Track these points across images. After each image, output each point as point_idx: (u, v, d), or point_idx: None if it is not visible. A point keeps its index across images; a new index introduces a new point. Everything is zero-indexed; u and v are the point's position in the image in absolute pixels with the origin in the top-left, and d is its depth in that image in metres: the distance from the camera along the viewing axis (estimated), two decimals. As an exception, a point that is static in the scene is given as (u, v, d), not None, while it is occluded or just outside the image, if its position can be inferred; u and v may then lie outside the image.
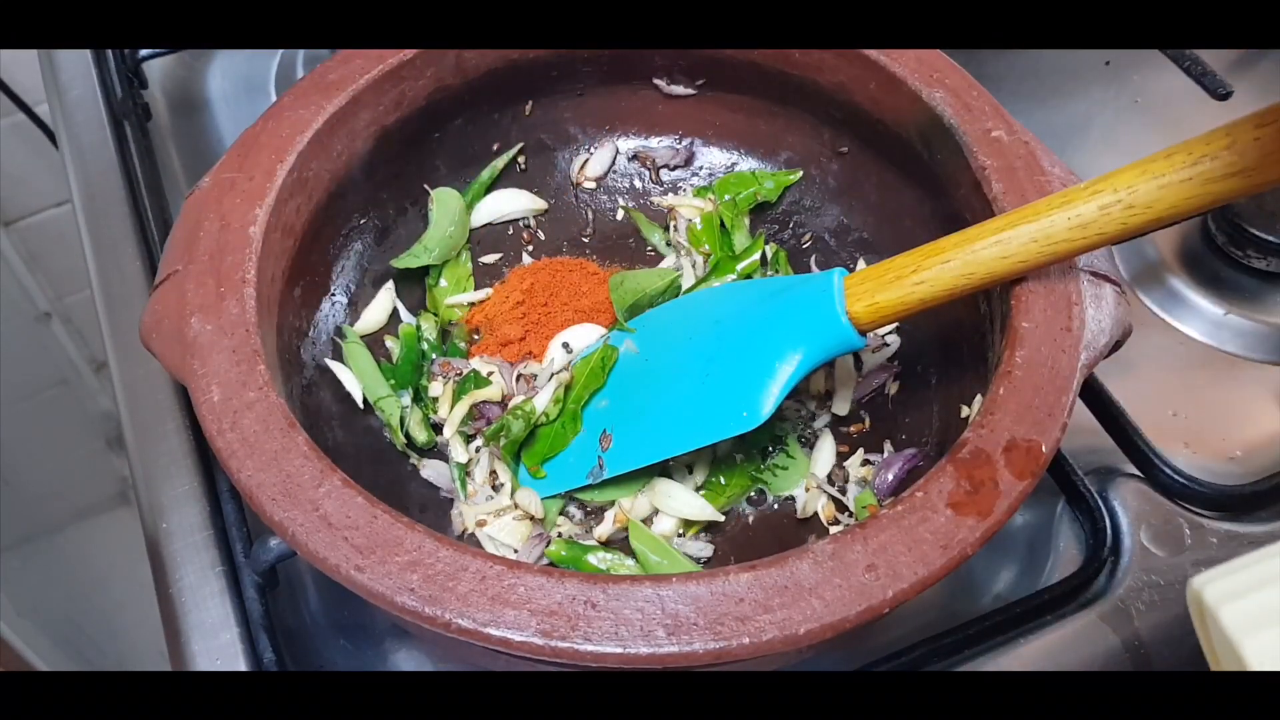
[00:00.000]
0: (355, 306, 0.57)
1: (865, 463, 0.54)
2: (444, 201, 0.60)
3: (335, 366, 0.54)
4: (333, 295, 0.56)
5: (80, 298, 1.15)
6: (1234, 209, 0.62)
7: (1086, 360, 0.43)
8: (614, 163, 0.65)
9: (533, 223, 0.64)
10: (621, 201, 0.65)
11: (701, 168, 0.65)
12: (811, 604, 0.36)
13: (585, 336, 0.58)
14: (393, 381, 0.56)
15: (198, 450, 0.53)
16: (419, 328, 0.58)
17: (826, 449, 0.55)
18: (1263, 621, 0.28)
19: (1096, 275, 0.46)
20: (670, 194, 0.65)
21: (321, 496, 0.39)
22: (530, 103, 0.62)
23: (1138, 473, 0.54)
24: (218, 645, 0.47)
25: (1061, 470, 0.52)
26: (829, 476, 0.54)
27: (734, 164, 0.64)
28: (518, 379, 0.57)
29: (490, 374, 0.57)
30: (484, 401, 0.56)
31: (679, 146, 0.65)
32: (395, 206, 0.59)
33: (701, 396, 0.51)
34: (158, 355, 0.45)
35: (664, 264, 0.63)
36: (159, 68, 0.75)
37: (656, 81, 0.62)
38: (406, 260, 0.59)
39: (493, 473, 0.55)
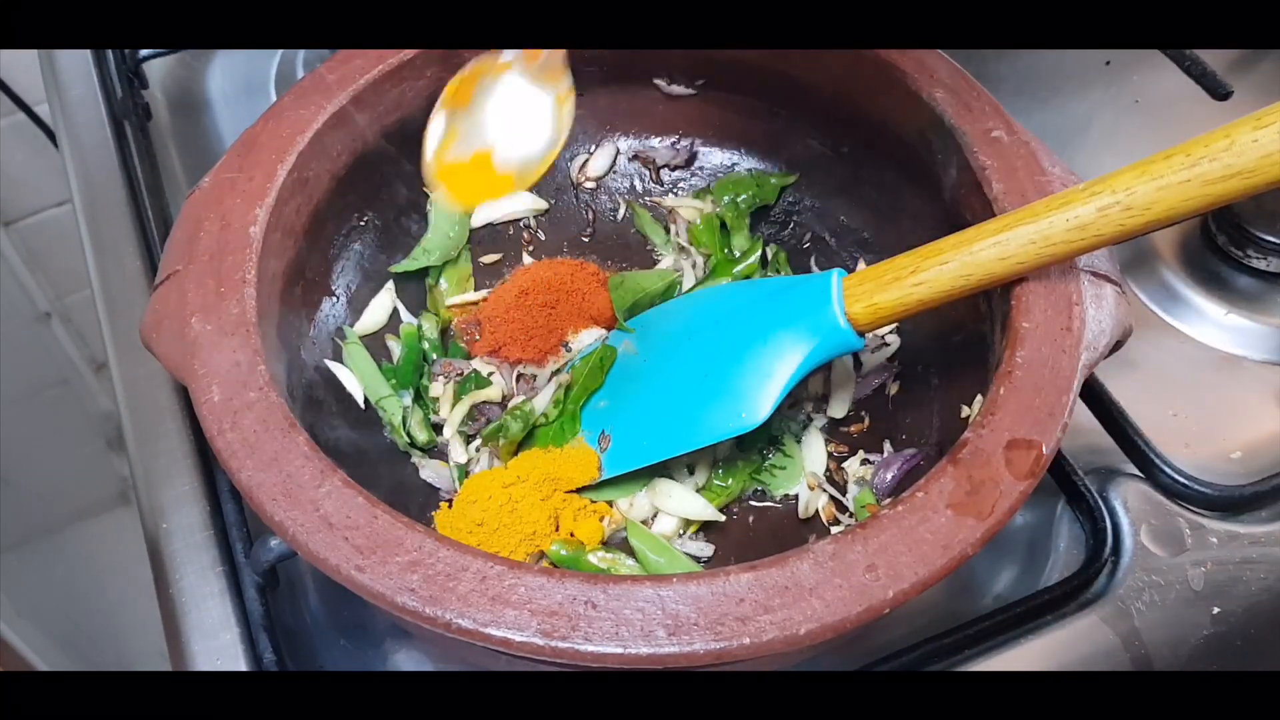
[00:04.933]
0: (355, 306, 0.57)
1: (865, 463, 0.54)
2: (442, 204, 0.60)
3: (335, 368, 0.54)
4: (333, 295, 0.56)
5: (80, 298, 1.15)
6: (1234, 209, 0.62)
7: (1087, 360, 0.43)
8: (614, 163, 0.65)
9: (533, 223, 0.64)
10: (622, 201, 0.65)
11: (701, 168, 0.65)
12: (812, 604, 0.36)
13: (585, 337, 0.58)
14: (394, 381, 0.56)
15: (198, 450, 0.53)
16: (420, 328, 0.58)
17: (816, 447, 0.55)
18: None
19: (1097, 275, 0.46)
20: (670, 194, 0.65)
21: (322, 497, 0.39)
22: (530, 103, 0.62)
23: (1138, 473, 0.54)
24: (218, 645, 0.47)
25: (1061, 470, 0.52)
26: (826, 475, 0.55)
27: (734, 164, 0.64)
28: (518, 379, 0.57)
29: (490, 374, 0.57)
30: (484, 402, 0.56)
31: (679, 146, 0.65)
32: (395, 207, 0.59)
33: (700, 397, 0.51)
34: (158, 355, 0.45)
35: (663, 264, 0.63)
36: (159, 68, 0.75)
37: (657, 81, 0.62)
38: (406, 265, 0.59)
39: (493, 473, 0.55)
